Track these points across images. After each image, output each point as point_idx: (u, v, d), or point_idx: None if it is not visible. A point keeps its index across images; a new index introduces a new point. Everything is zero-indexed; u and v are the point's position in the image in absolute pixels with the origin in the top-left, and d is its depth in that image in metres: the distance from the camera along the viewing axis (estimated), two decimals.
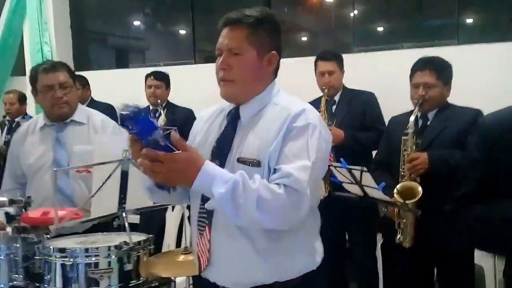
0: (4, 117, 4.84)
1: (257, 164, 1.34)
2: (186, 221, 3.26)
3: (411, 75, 2.46)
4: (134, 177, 1.68)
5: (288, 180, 1.26)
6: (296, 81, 2.98)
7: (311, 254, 1.45)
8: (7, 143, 4.09)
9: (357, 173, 1.89)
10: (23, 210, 1.71)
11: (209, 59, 5.26)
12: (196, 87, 4.47)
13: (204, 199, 1.37)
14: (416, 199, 2.21)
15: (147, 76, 3.86)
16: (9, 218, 1.68)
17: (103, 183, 1.61)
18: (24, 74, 5.56)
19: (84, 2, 5.87)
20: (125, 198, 1.72)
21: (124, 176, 1.68)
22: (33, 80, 2.27)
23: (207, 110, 1.57)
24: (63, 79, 2.23)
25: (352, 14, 4.66)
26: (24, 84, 5.45)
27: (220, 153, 1.41)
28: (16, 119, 4.60)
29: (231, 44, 1.39)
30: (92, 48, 6.18)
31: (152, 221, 3.03)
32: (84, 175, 2.03)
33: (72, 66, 5.54)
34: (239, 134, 1.41)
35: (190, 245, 2.20)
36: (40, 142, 2.25)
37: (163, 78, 3.84)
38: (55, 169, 1.68)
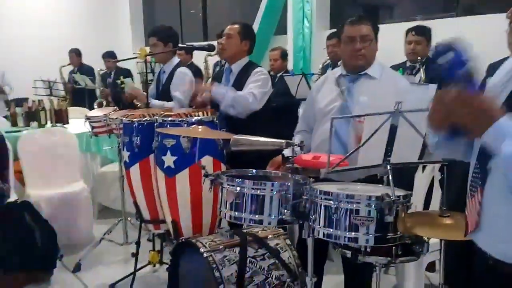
0: (269, 72, 5.32)
1: None
2: (436, 183, 3.14)
3: None
4: (403, 130, 1.67)
5: None
6: None
7: None
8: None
9: None
10: (297, 153, 1.88)
11: (471, 11, 4.81)
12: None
13: (481, 158, 1.29)
14: None
15: (408, 31, 3.75)
16: (285, 159, 1.89)
17: (372, 135, 1.64)
18: (285, 33, 6.08)
19: None
20: (391, 151, 1.73)
21: (393, 129, 1.69)
22: (340, 31, 2.43)
23: (507, 62, 1.42)
24: (365, 32, 2.32)
25: None
26: (284, 42, 5.97)
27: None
28: (278, 74, 4.95)
29: None
30: (348, 6, 6.29)
31: (401, 178, 3.00)
32: (362, 125, 2.12)
33: (328, 23, 5.87)
34: None
35: (445, 208, 2.12)
36: (333, 89, 2.43)
37: (425, 33, 3.68)
38: (332, 117, 1.79)
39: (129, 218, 3.87)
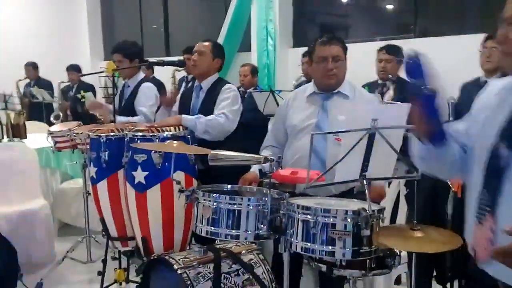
0: (239, 88, 5.26)
1: None
2: (402, 198, 3.24)
3: None
4: (379, 146, 1.73)
5: None
6: None
7: None
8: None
9: None
10: (275, 168, 1.91)
11: (426, 33, 5.04)
12: None
13: (489, 184, 1.26)
14: None
15: (379, 50, 3.85)
16: (263, 174, 1.91)
17: (349, 150, 1.69)
18: (249, 50, 6.15)
19: None
20: (367, 167, 1.79)
21: (369, 144, 1.74)
22: (311, 51, 2.50)
23: (494, 82, 1.44)
24: (336, 52, 2.41)
25: None
26: (248, 59, 6.03)
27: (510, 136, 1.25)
28: (248, 90, 4.93)
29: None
30: (308, 26, 6.44)
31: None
32: (340, 142, 2.17)
33: (291, 42, 6.00)
34: None
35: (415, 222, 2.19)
36: (306, 107, 2.49)
37: (396, 52, 3.78)
38: (312, 133, 1.83)
39: (93, 236, 3.77)
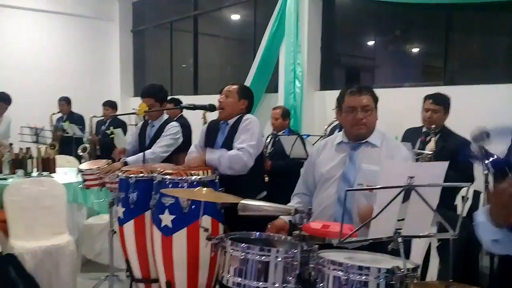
0: (268, 136, 4.94)
1: None
2: (434, 251, 3.14)
3: None
4: (415, 203, 1.69)
5: None
6: None
7: None
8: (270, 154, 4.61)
9: None
10: (305, 220, 1.88)
11: (453, 81, 4.99)
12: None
13: None
14: None
15: (426, 98, 3.72)
16: (292, 225, 1.88)
17: (384, 207, 1.66)
18: (276, 92, 6.20)
19: (336, 27, 6.19)
20: (403, 224, 1.74)
21: (405, 201, 1.70)
22: (340, 100, 2.48)
23: None
24: (366, 102, 2.37)
25: None
26: (275, 100, 6.07)
27: None
28: (279, 133, 4.82)
29: None
30: (335, 69, 6.47)
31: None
32: (367, 193, 2.13)
33: (318, 85, 6.02)
34: None
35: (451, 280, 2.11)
36: (334, 156, 2.45)
37: (443, 103, 3.64)
38: (346, 189, 1.80)
39: (116, 274, 3.74)
